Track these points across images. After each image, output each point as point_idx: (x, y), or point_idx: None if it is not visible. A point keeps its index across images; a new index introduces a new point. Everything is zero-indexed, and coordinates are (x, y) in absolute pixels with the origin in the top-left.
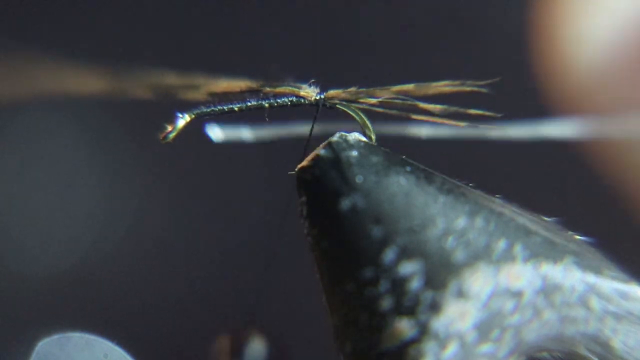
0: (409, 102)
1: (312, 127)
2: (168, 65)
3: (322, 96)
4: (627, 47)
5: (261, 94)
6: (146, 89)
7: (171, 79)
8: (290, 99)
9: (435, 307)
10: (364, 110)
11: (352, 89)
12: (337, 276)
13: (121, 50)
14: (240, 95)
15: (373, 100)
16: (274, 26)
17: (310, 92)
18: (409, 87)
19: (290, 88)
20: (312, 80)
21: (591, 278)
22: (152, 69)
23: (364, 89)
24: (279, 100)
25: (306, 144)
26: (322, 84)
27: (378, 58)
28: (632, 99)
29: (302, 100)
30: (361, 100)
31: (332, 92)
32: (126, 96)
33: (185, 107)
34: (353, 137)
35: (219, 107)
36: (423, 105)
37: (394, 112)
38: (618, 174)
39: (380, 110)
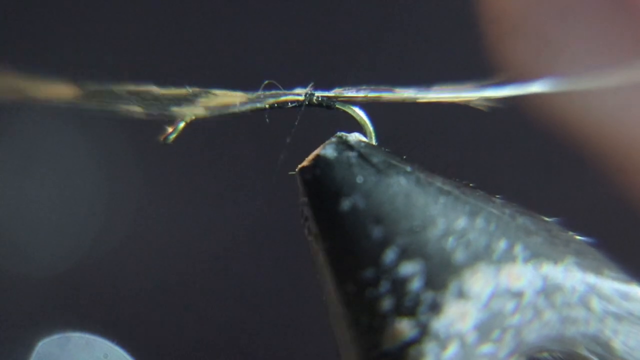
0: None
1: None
2: (158, 76)
3: (323, 96)
4: None
5: (261, 96)
6: (134, 103)
7: (159, 92)
8: (290, 99)
9: (435, 308)
10: (365, 110)
11: (347, 88)
12: (338, 277)
13: (103, 62)
14: (239, 105)
15: (373, 95)
16: (272, 26)
17: (310, 94)
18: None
19: (290, 91)
20: (312, 83)
21: (592, 278)
22: (139, 83)
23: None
24: (279, 102)
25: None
26: (322, 85)
27: (378, 56)
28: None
29: (303, 102)
30: (362, 96)
31: (331, 93)
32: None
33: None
34: (353, 138)
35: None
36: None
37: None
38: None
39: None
